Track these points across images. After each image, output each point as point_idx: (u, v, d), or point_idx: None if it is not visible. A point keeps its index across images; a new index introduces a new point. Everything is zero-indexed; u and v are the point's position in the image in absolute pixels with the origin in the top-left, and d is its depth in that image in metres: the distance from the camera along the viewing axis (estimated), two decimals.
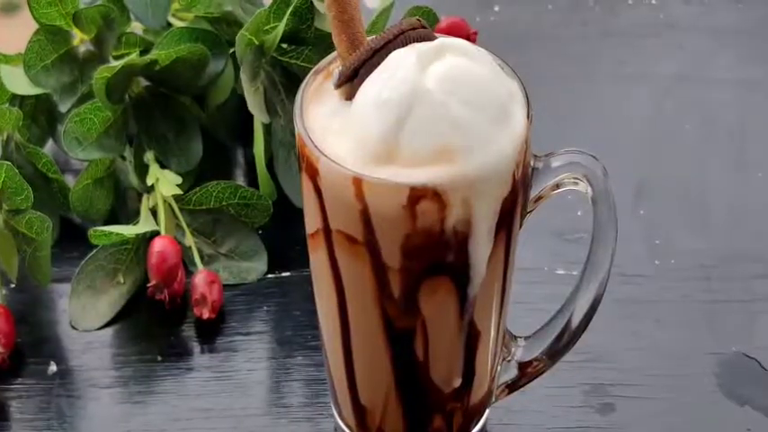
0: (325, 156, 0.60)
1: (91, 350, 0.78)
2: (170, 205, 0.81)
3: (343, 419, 0.71)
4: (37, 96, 0.84)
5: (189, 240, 0.81)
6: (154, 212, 0.81)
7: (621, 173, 0.83)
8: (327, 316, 0.67)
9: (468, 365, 0.67)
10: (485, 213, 0.61)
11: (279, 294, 0.81)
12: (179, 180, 0.82)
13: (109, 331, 0.79)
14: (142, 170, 0.83)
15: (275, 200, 0.82)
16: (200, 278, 0.79)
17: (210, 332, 0.79)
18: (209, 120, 0.86)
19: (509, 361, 0.70)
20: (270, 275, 0.82)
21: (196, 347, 0.78)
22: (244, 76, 0.79)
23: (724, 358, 0.77)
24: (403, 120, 0.59)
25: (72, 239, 0.83)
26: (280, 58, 0.82)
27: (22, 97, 0.83)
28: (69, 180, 0.85)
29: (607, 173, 0.64)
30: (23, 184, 0.76)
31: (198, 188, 0.81)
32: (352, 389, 0.68)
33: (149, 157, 0.83)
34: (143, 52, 0.83)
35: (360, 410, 0.69)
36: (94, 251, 0.80)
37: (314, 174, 0.61)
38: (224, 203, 0.82)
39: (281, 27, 0.79)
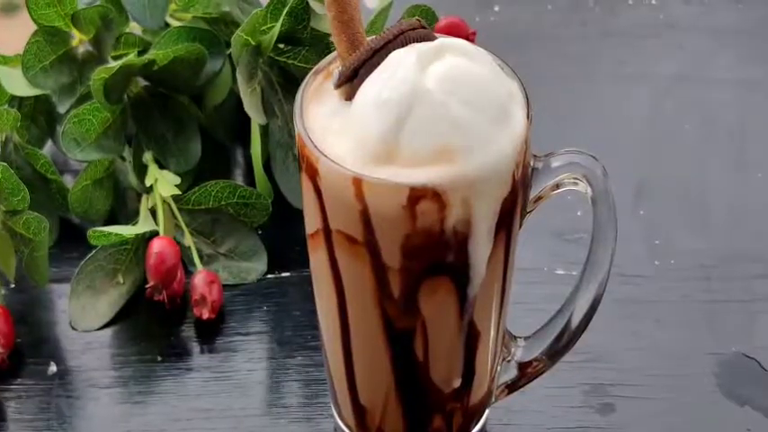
0: (325, 156, 0.60)
1: (90, 350, 0.78)
2: (169, 205, 0.81)
3: (342, 420, 0.71)
4: (36, 97, 0.84)
5: (188, 240, 0.81)
6: (153, 213, 0.81)
7: (621, 173, 0.83)
8: (327, 316, 0.67)
9: (468, 366, 0.67)
10: (484, 213, 0.61)
11: (278, 294, 0.81)
12: (177, 180, 0.82)
13: (108, 331, 0.79)
14: (141, 170, 0.83)
15: (275, 200, 0.82)
16: (199, 278, 0.79)
17: (210, 332, 0.79)
18: (207, 120, 0.86)
19: (509, 361, 0.70)
20: (269, 276, 0.82)
21: (196, 348, 0.78)
22: (240, 77, 0.79)
23: (724, 358, 0.77)
24: (403, 120, 0.59)
25: (71, 240, 0.83)
26: (277, 58, 0.82)
27: (21, 98, 0.83)
28: (70, 180, 0.85)
29: (607, 173, 0.64)
30: (20, 185, 0.76)
31: (197, 188, 0.81)
32: (352, 389, 0.68)
33: (148, 157, 0.83)
34: (141, 52, 0.83)
35: (359, 410, 0.69)
36: (94, 251, 0.80)
37: (314, 174, 0.61)
38: (223, 203, 0.82)
39: (278, 27, 0.79)
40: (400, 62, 0.60)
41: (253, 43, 0.80)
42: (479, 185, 0.59)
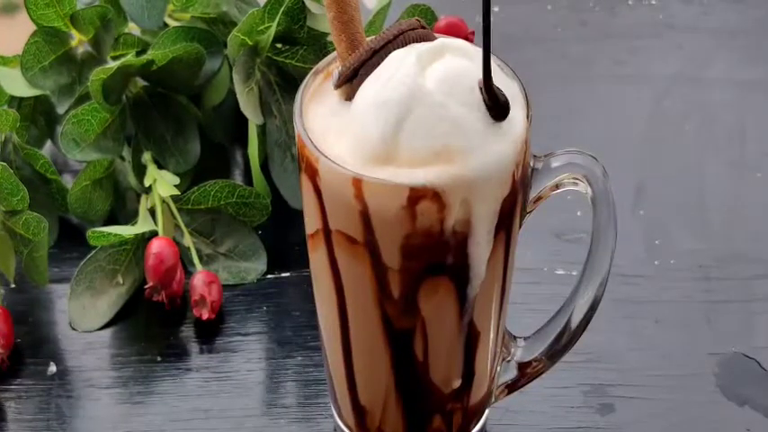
0: (325, 156, 0.60)
1: (90, 351, 0.78)
2: (168, 205, 0.81)
3: (342, 420, 0.71)
4: (35, 98, 0.84)
5: (187, 240, 0.81)
6: (153, 213, 0.81)
7: (621, 173, 0.83)
8: (327, 316, 0.67)
9: (468, 366, 0.67)
10: (484, 214, 0.61)
11: (278, 295, 0.81)
12: (176, 180, 0.82)
13: (108, 332, 0.79)
14: (140, 171, 0.83)
15: (274, 200, 0.82)
16: (199, 279, 0.79)
17: (210, 333, 0.79)
18: (206, 120, 0.86)
19: (509, 361, 0.70)
20: (269, 276, 0.82)
21: (195, 348, 0.78)
22: (236, 77, 0.79)
23: (724, 358, 0.77)
24: (402, 120, 0.59)
25: (71, 240, 0.83)
26: (275, 58, 0.82)
27: (21, 99, 0.83)
28: (69, 180, 0.85)
29: (607, 173, 0.64)
30: (19, 185, 0.76)
31: (196, 188, 0.81)
32: (352, 389, 0.68)
33: (147, 157, 0.83)
34: (140, 53, 0.83)
35: (359, 411, 0.69)
36: (93, 252, 0.80)
37: (313, 174, 0.61)
38: (222, 203, 0.81)
39: (274, 27, 0.79)
40: (400, 62, 0.60)
41: (250, 43, 0.80)
42: (479, 186, 0.59)
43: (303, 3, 0.79)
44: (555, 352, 0.68)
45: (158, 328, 0.79)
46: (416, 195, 0.59)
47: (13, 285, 0.81)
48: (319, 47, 0.81)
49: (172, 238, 0.80)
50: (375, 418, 0.69)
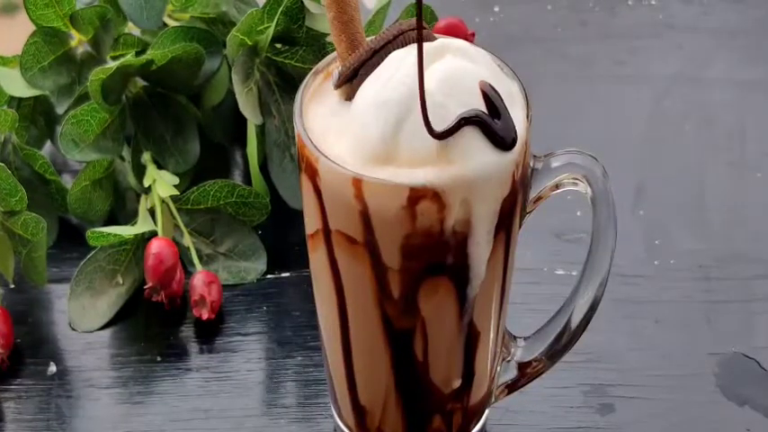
0: (325, 156, 0.60)
1: (90, 351, 0.78)
2: (168, 206, 0.81)
3: (342, 420, 0.71)
4: (35, 98, 0.84)
5: (187, 241, 0.81)
6: (152, 213, 0.81)
7: (621, 173, 0.83)
8: (327, 316, 0.67)
9: (468, 366, 0.67)
10: (484, 214, 0.61)
11: (278, 295, 0.81)
12: (176, 181, 0.82)
13: (108, 332, 0.79)
14: (140, 171, 0.83)
15: (274, 200, 0.82)
16: (198, 279, 0.79)
17: (210, 333, 0.79)
18: (205, 120, 0.86)
19: (508, 361, 0.70)
20: (269, 276, 0.82)
21: (195, 348, 0.78)
22: (235, 77, 0.79)
23: (724, 358, 0.77)
24: (402, 120, 0.59)
25: (71, 240, 0.83)
26: (274, 58, 0.82)
27: (20, 99, 0.83)
28: (69, 180, 0.85)
29: (606, 173, 0.64)
30: (17, 186, 0.76)
31: (195, 188, 0.81)
32: (352, 389, 0.68)
33: (146, 157, 0.83)
34: (140, 53, 0.83)
35: (359, 411, 0.69)
36: (93, 252, 0.80)
37: (313, 174, 0.61)
38: (222, 202, 0.81)
39: (273, 27, 0.79)
40: (400, 62, 0.60)
41: (249, 43, 0.80)
42: (479, 186, 0.59)
43: (302, 3, 0.79)
44: (555, 352, 0.68)
45: (158, 328, 0.79)
46: (416, 195, 0.59)
47: (12, 286, 0.81)
48: (318, 47, 0.81)
49: (171, 239, 0.80)
50: (375, 418, 0.69)
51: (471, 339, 0.66)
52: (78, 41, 0.84)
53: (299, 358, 0.77)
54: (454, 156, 0.59)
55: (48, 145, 0.86)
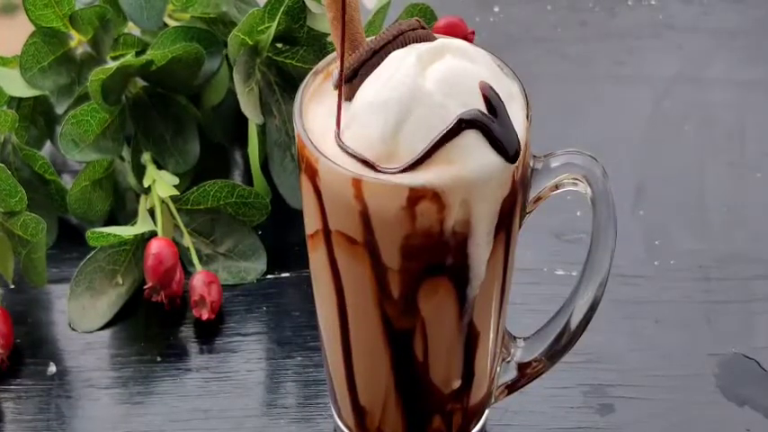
0: (325, 156, 0.60)
1: (90, 351, 0.78)
2: (167, 206, 0.81)
3: (342, 420, 0.71)
4: (35, 98, 0.84)
5: (187, 241, 0.81)
6: (152, 213, 0.81)
7: (621, 173, 0.83)
8: (327, 317, 0.67)
9: (468, 366, 0.67)
10: (484, 214, 0.61)
11: (278, 295, 0.81)
12: (176, 181, 0.82)
13: (108, 332, 0.79)
14: (139, 171, 0.83)
15: (274, 200, 0.82)
16: (198, 279, 0.79)
17: (209, 333, 0.79)
18: (205, 120, 0.86)
19: (508, 362, 0.70)
20: (269, 276, 0.82)
21: (195, 348, 0.78)
22: (237, 77, 0.79)
23: (723, 359, 0.77)
24: (402, 121, 0.59)
25: (71, 240, 0.83)
26: (275, 58, 0.82)
27: (20, 99, 0.83)
28: (69, 181, 0.85)
29: (606, 173, 0.64)
30: (17, 187, 0.76)
31: (195, 188, 0.81)
32: (352, 389, 0.68)
33: (146, 158, 0.83)
34: (140, 53, 0.83)
35: (359, 411, 0.69)
36: (93, 252, 0.80)
37: (313, 174, 0.61)
38: (221, 203, 0.81)
39: (274, 27, 0.79)
40: (400, 63, 0.60)
41: (250, 43, 0.80)
42: (479, 186, 0.59)
43: (303, 2, 0.79)
44: (555, 352, 0.68)
45: (158, 329, 0.79)
46: (416, 196, 0.59)
47: (12, 286, 0.81)
48: (319, 47, 0.81)
49: (171, 239, 0.80)
50: (375, 418, 0.69)
51: (471, 340, 0.66)
52: (78, 42, 0.84)
53: (299, 358, 0.77)
54: (454, 156, 0.59)
55: (47, 145, 0.86)
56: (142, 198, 0.82)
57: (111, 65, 0.79)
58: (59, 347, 0.79)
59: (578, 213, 0.84)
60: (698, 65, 0.97)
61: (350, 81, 0.61)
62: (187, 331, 0.79)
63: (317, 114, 0.62)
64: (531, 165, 0.63)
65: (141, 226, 0.80)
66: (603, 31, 1.00)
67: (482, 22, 0.99)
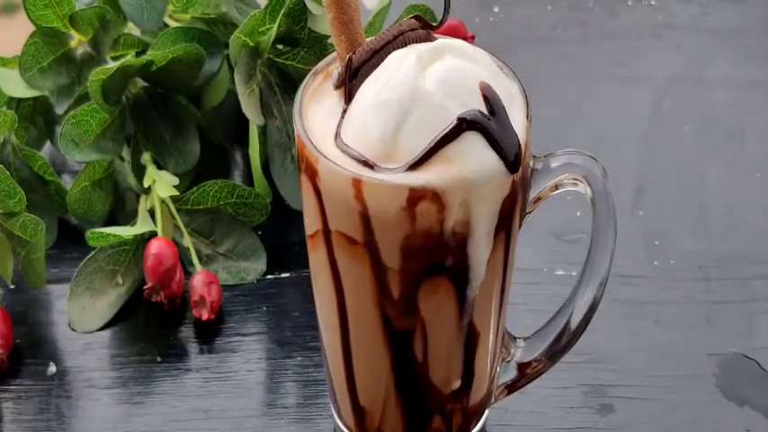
0: (325, 157, 0.60)
1: (90, 351, 0.78)
2: (167, 206, 0.81)
3: (342, 420, 0.71)
4: (35, 98, 0.84)
5: (187, 241, 0.81)
6: (152, 213, 0.81)
7: (621, 173, 0.83)
8: (327, 317, 0.67)
9: (468, 366, 0.67)
10: (484, 215, 0.61)
11: (278, 295, 0.81)
12: (176, 181, 0.82)
13: (108, 332, 0.79)
14: (139, 171, 0.83)
15: (274, 200, 0.82)
16: (198, 279, 0.79)
17: (209, 333, 0.79)
18: (205, 120, 0.86)
19: (508, 362, 0.70)
20: (269, 276, 0.82)
21: (195, 348, 0.78)
22: (238, 78, 0.79)
23: (723, 359, 0.77)
24: (402, 121, 0.59)
25: (70, 241, 0.83)
26: (276, 59, 0.82)
27: (20, 99, 0.83)
28: (69, 181, 0.85)
29: (606, 174, 0.64)
30: (16, 187, 0.76)
31: (195, 188, 0.81)
32: (352, 389, 0.68)
33: (146, 158, 0.83)
34: (140, 53, 0.83)
35: (359, 411, 0.69)
36: (93, 252, 0.80)
37: (313, 175, 0.61)
38: (221, 203, 0.81)
39: (275, 28, 0.79)
40: (400, 63, 0.60)
41: (251, 44, 0.80)
42: (478, 187, 0.59)
43: (304, 4, 0.79)
44: (555, 352, 0.68)
45: (158, 329, 0.79)
46: (416, 196, 0.59)
47: (12, 287, 0.81)
48: (320, 48, 0.81)
49: (171, 239, 0.80)
50: (375, 418, 0.69)
51: (471, 340, 0.66)
52: (78, 42, 0.84)
53: (299, 359, 0.77)
54: (454, 156, 0.59)
55: (47, 145, 0.86)
56: (142, 198, 0.82)
57: (112, 65, 0.79)
58: (59, 347, 0.79)
59: (578, 213, 0.84)
60: (698, 65, 0.97)
61: (350, 81, 0.61)
62: (187, 331, 0.79)
63: (317, 114, 0.62)
64: (531, 165, 0.63)
65: (141, 226, 0.80)
66: (603, 31, 1.00)
67: (482, 22, 0.99)
